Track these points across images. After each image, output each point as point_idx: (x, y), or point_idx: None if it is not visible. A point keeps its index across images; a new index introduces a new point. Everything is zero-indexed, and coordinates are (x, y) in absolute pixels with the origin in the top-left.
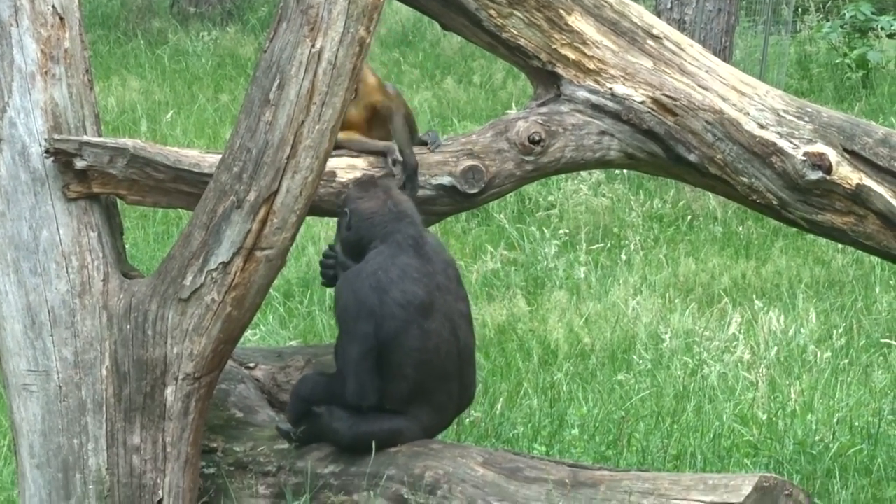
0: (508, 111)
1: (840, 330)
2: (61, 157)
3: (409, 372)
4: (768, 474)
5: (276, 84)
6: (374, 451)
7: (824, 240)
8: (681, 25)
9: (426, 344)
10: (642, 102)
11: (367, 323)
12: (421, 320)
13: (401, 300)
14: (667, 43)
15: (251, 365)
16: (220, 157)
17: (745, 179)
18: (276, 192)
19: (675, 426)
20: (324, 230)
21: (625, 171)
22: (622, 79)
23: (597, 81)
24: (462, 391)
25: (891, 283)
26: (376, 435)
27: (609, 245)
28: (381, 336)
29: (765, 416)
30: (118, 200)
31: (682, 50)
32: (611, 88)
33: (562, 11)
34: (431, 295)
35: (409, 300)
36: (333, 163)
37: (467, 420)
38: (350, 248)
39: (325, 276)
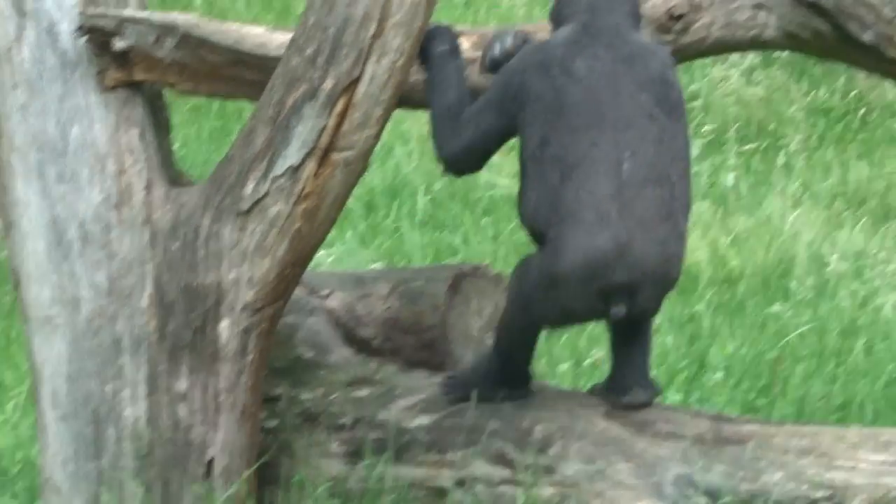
0: None
1: None
2: (97, 36)
3: None
4: None
5: None
6: (474, 399)
7: None
8: None
9: None
10: None
11: None
12: None
13: None
14: None
15: (324, 293)
16: (290, 36)
17: None
18: (357, 80)
19: (841, 369)
20: (416, 127)
21: (784, 53)
22: None
23: None
24: None
25: None
26: None
27: (764, 145)
28: None
29: None
30: (166, 90)
31: None
32: None
33: None
34: None
35: None
36: None
37: (587, 360)
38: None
39: None
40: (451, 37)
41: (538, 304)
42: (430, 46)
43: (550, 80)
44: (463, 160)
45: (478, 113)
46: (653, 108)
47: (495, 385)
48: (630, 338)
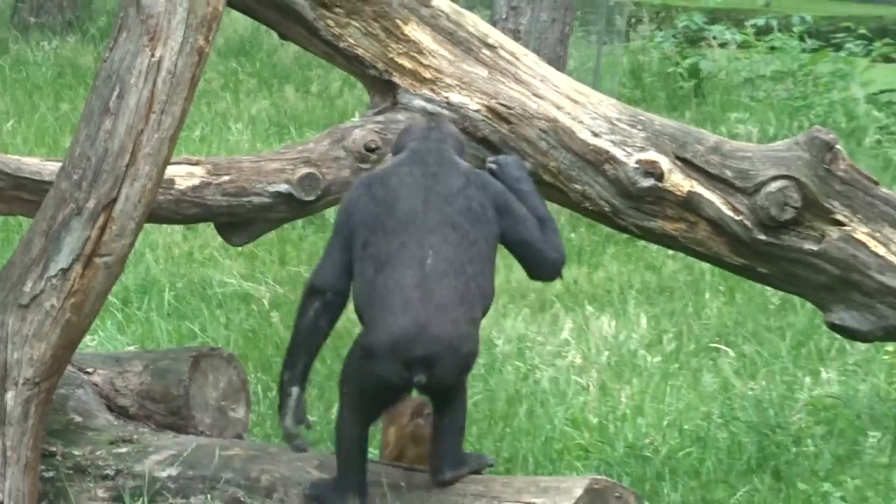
0: (346, 120)
1: (670, 335)
2: None
3: None
4: (599, 476)
5: (115, 93)
6: (214, 457)
7: (655, 246)
8: (516, 35)
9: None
10: (477, 111)
11: None
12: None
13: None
14: (502, 52)
15: (89, 370)
16: (60, 165)
17: (578, 187)
18: (115, 200)
19: (508, 429)
20: (162, 237)
21: None
22: (458, 87)
23: (433, 90)
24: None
25: (720, 288)
26: None
27: None
28: None
29: (596, 420)
30: None
31: (517, 59)
32: (447, 97)
33: (398, 21)
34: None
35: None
36: (172, 171)
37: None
38: None
39: None
40: None
41: (359, 373)
42: None
43: (371, 194)
44: (328, 283)
45: (330, 243)
46: (455, 216)
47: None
48: (445, 421)
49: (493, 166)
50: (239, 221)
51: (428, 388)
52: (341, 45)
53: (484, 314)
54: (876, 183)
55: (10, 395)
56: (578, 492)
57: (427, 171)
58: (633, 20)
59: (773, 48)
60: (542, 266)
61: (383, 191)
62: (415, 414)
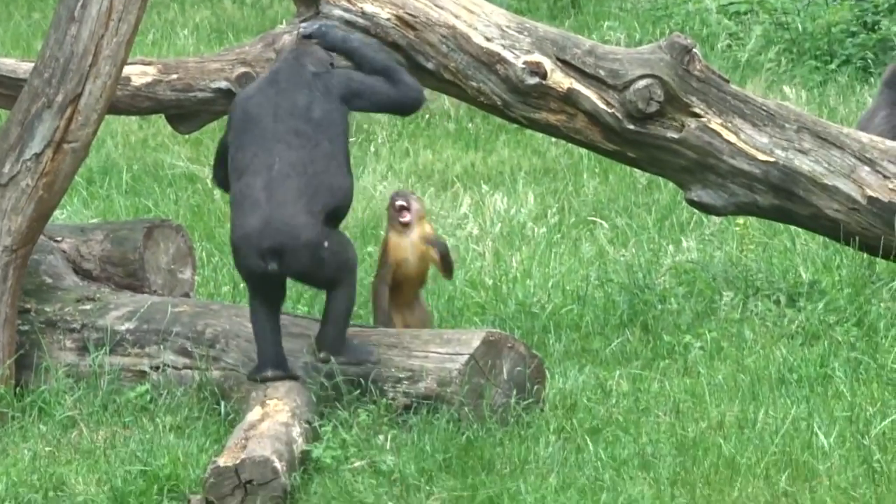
0: (276, 27)
1: (554, 210)
2: None
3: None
4: (494, 330)
5: (80, 4)
6: (166, 313)
7: (541, 134)
8: None
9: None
10: (388, 19)
11: None
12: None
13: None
14: None
15: (59, 239)
16: (33, 65)
17: (474, 84)
18: (80, 95)
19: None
20: (120, 126)
21: None
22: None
23: (349, 1)
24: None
25: (596, 170)
26: None
27: (360, 139)
28: None
29: (491, 282)
30: None
31: None
32: (361, 7)
33: None
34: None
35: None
36: (128, 70)
37: (242, 285)
38: None
39: None
40: None
41: (235, 267)
42: None
43: (236, 112)
44: (222, 185)
45: (221, 140)
46: (300, 125)
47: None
48: (325, 311)
49: (313, 37)
50: (186, 113)
51: (286, 274)
52: None
53: (337, 206)
54: (727, 81)
55: None
56: (476, 342)
57: (278, 88)
58: None
59: None
60: (405, 109)
61: (242, 112)
62: None
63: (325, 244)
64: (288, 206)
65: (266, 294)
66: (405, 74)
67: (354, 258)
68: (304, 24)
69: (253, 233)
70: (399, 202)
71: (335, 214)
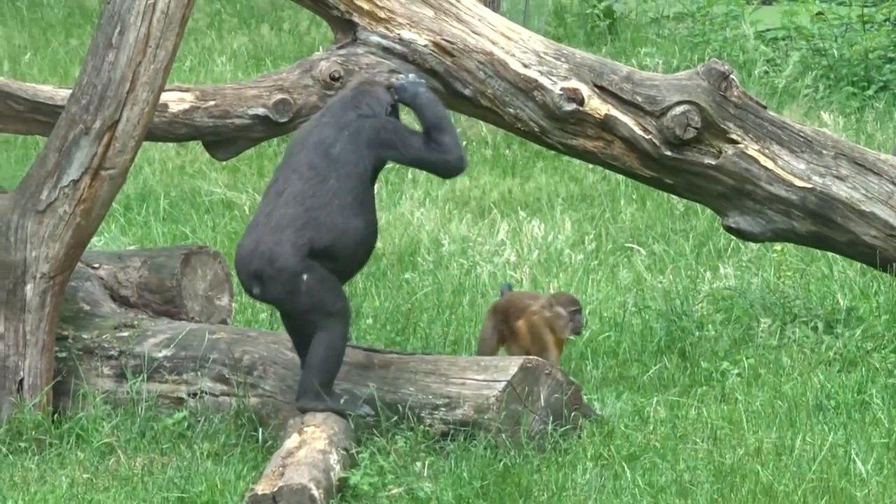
0: (313, 53)
1: (591, 236)
2: None
3: None
4: (532, 357)
5: (117, 30)
6: (203, 340)
7: (578, 161)
8: None
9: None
10: (425, 46)
11: None
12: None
13: None
14: None
15: (96, 265)
16: (70, 91)
17: (511, 111)
18: (117, 121)
19: (454, 317)
20: (158, 153)
21: None
22: (408, 26)
23: (387, 28)
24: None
25: (633, 197)
26: None
27: (397, 166)
28: None
29: None
30: None
31: (459, 1)
32: (399, 34)
33: None
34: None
35: None
36: (166, 97)
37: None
38: None
39: None
40: None
41: None
42: None
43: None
44: None
45: None
46: (316, 159)
47: None
48: (307, 355)
49: (393, 90)
50: (223, 139)
51: (268, 301)
52: None
53: (328, 245)
54: (764, 107)
55: (28, 288)
56: (514, 370)
57: (320, 122)
58: None
59: None
60: (438, 170)
61: (291, 140)
62: (548, 305)
63: (304, 277)
64: (276, 233)
65: (287, 321)
66: (449, 136)
67: (340, 306)
68: (399, 77)
69: (245, 256)
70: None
71: (326, 252)
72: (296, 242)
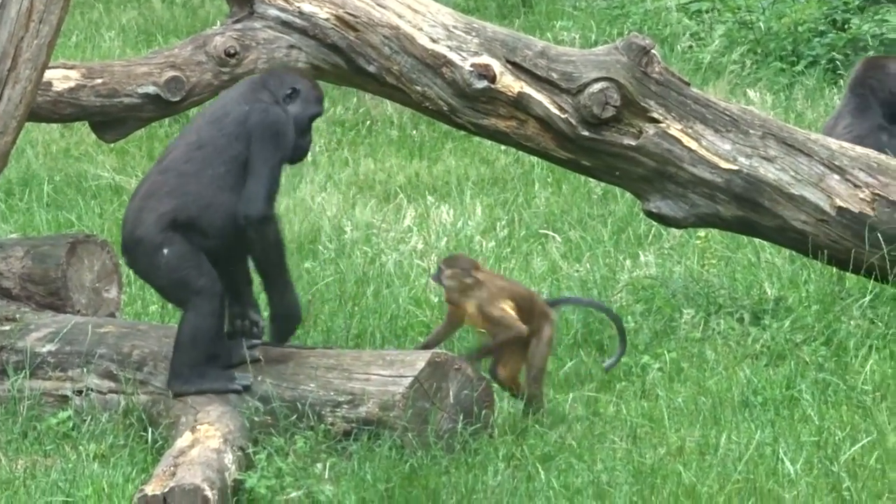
0: (208, 28)
1: (503, 222)
2: None
3: None
4: (440, 351)
5: None
6: (89, 334)
7: (489, 142)
8: None
9: None
10: (327, 19)
11: None
12: None
13: None
14: None
15: None
16: None
17: (418, 88)
18: None
19: (357, 308)
20: (41, 135)
21: None
22: None
23: (286, 1)
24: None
25: (548, 180)
26: None
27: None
28: None
29: (436, 299)
30: None
31: None
32: (298, 7)
33: None
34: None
35: None
36: (50, 74)
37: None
38: None
39: None
40: None
41: None
42: None
43: None
44: None
45: None
46: (201, 129)
47: None
48: (176, 334)
49: None
50: (111, 120)
51: (138, 275)
52: None
53: (193, 216)
54: (688, 84)
55: None
56: (421, 364)
57: (218, 102)
58: None
59: None
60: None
61: None
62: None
63: (164, 251)
64: (142, 200)
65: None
66: (262, 197)
67: (204, 283)
68: None
69: (124, 223)
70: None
71: (192, 226)
72: (158, 210)
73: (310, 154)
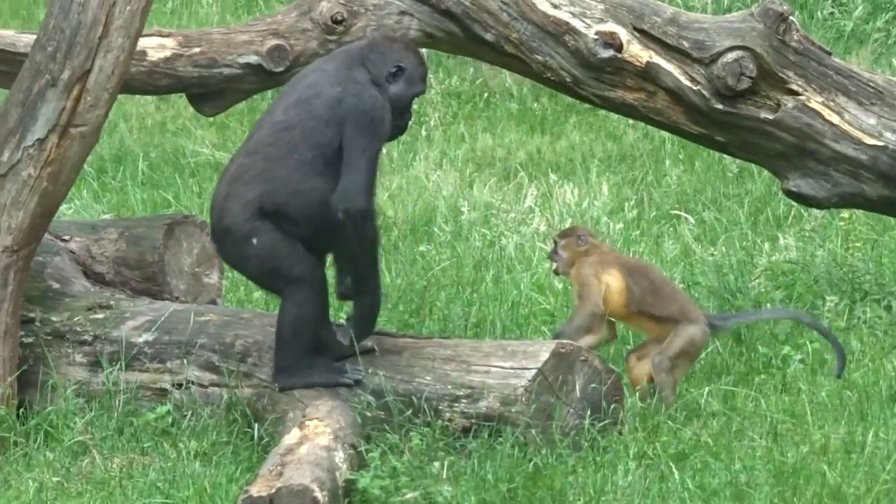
0: None
1: (632, 202)
2: None
3: None
4: (565, 341)
5: None
6: (189, 322)
7: (616, 115)
8: None
9: None
10: None
11: None
12: None
13: None
14: None
15: (66, 238)
16: (34, 37)
17: (539, 58)
18: (89, 71)
19: (475, 295)
20: (135, 108)
21: (424, 49)
22: None
23: None
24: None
25: (680, 157)
26: None
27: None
28: None
29: (560, 286)
30: None
31: None
32: None
33: None
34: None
35: None
36: (144, 42)
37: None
38: None
39: None
40: None
41: None
42: None
43: None
44: None
45: None
46: (289, 108)
47: None
48: (276, 328)
49: None
50: (210, 92)
51: (229, 264)
52: None
53: (284, 202)
54: (829, 53)
55: None
56: (545, 355)
57: (315, 69)
58: None
59: None
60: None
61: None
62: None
63: (254, 241)
64: (228, 185)
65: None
66: (361, 191)
67: (301, 271)
68: None
69: (211, 210)
70: None
71: (280, 213)
72: (244, 197)
73: (423, 129)
